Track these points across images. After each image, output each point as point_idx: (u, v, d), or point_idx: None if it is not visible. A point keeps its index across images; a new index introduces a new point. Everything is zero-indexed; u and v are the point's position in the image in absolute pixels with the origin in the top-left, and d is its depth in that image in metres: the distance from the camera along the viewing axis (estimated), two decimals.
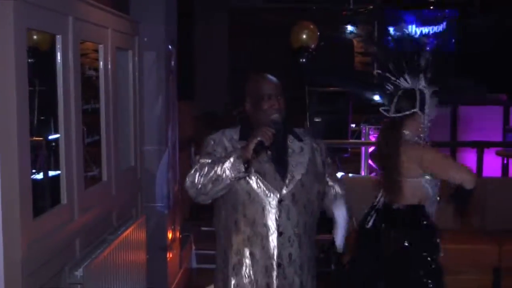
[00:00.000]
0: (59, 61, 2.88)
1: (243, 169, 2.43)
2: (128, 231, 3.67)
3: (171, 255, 4.74)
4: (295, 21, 7.87)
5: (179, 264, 5.18)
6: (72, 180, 3.00)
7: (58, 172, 2.95)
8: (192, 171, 2.52)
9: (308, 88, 7.41)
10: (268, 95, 2.61)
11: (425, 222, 3.20)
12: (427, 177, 3.17)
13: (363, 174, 7.15)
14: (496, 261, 4.83)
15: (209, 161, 2.51)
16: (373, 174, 6.75)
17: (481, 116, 8.20)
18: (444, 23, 10.08)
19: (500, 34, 10.22)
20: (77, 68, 3.04)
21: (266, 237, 2.54)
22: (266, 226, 2.55)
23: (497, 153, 7.51)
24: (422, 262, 3.20)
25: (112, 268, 3.34)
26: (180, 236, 5.25)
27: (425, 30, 10.01)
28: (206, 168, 2.48)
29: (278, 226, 2.55)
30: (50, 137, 3.05)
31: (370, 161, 6.77)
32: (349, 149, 7.59)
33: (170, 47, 4.72)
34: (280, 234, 2.55)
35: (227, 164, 2.43)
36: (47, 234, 2.70)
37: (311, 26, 7.67)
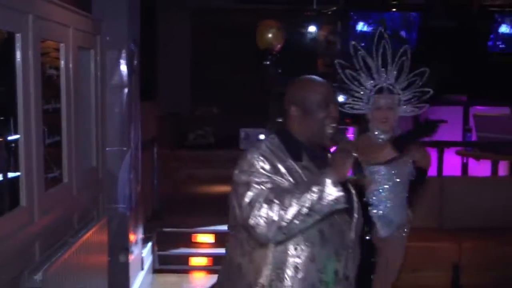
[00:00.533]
0: (18, 60, 2.83)
1: (343, 199, 1.97)
2: (89, 234, 3.63)
3: (132, 257, 4.70)
4: (259, 21, 7.89)
5: (141, 265, 5.14)
6: (32, 182, 2.95)
7: (18, 173, 2.89)
8: (258, 205, 1.97)
9: (272, 89, 7.43)
10: (325, 102, 2.18)
11: None
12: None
13: None
14: (456, 258, 4.92)
15: (278, 190, 2.00)
16: None
17: (441, 116, 8.35)
18: (406, 24, 10.23)
19: (461, 36, 10.44)
20: (37, 67, 3.00)
21: (337, 286, 2.14)
22: (337, 274, 2.13)
23: (457, 153, 7.66)
24: None
25: (73, 271, 3.29)
26: (142, 237, 5.22)
27: (387, 31, 10.14)
28: (286, 200, 1.95)
29: (345, 272, 2.16)
30: (10, 138, 2.99)
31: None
32: None
33: (132, 46, 4.68)
34: (346, 278, 2.18)
35: (320, 193, 1.94)
36: (6, 237, 2.65)
37: (277, 26, 7.69)
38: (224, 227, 6.50)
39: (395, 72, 3.42)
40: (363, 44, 3.60)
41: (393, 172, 3.38)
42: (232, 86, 10.06)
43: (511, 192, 5.21)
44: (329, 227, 2.07)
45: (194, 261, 5.89)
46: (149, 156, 6.22)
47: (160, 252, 5.86)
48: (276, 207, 1.94)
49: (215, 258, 5.83)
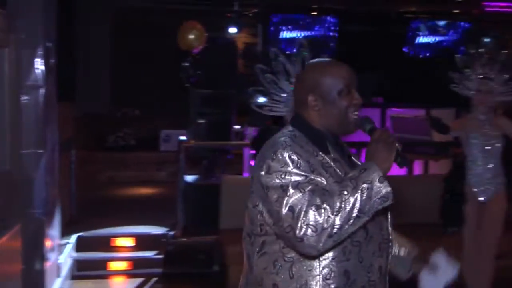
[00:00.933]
0: None
1: (392, 195, 1.75)
2: (1, 241, 3.49)
3: (49, 264, 4.56)
4: (181, 21, 7.84)
5: (58, 272, 4.99)
6: None
7: None
8: (303, 213, 1.68)
9: (192, 89, 7.40)
10: (347, 88, 1.91)
11: None
12: None
13: (246, 175, 7.25)
14: None
15: (321, 191, 1.73)
16: None
17: None
18: (325, 28, 10.45)
19: (379, 41, 10.78)
20: None
21: (380, 283, 1.92)
22: (380, 270, 1.91)
23: None
24: None
25: None
26: (59, 243, 5.07)
27: (307, 34, 10.31)
28: (334, 203, 1.68)
29: (386, 267, 1.95)
30: None
31: (252, 162, 6.88)
32: (232, 151, 7.68)
33: (49, 44, 4.54)
34: (386, 273, 1.96)
35: (369, 191, 1.70)
36: None
37: (198, 27, 7.67)
38: (144, 229, 6.45)
39: None
40: (283, 46, 3.68)
41: None
42: (153, 87, 9.95)
43: (426, 190, 5.41)
44: (371, 221, 1.80)
45: (114, 266, 5.79)
46: (66, 159, 6.06)
47: (78, 258, 5.71)
48: (324, 213, 1.67)
49: (135, 262, 5.76)
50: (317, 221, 1.66)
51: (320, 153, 1.85)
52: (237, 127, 7.95)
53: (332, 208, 1.67)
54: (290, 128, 1.92)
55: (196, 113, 7.19)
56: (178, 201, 6.11)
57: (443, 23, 11.32)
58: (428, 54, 11.39)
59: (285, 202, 1.70)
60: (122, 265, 5.80)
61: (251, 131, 7.45)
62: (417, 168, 7.87)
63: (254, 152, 6.69)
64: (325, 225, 1.66)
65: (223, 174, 6.63)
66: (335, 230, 1.66)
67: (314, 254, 1.72)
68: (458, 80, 4.43)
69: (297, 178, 1.73)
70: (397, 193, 5.46)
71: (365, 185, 1.70)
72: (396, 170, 6.35)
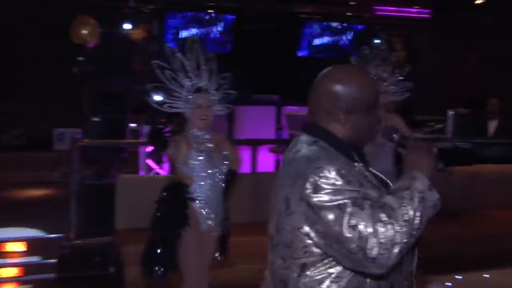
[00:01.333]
0: None
1: (440, 202, 1.69)
2: None
3: None
4: (75, 15, 7.59)
5: None
6: None
7: None
8: (370, 231, 1.56)
9: (86, 86, 7.19)
10: (375, 102, 1.84)
11: None
12: None
13: (142, 173, 7.13)
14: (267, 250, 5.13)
15: (379, 205, 1.63)
16: (152, 173, 6.76)
17: (255, 116, 8.70)
18: (221, 26, 10.47)
19: (275, 40, 10.95)
20: None
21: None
22: (411, 274, 1.87)
23: (271, 150, 8.02)
24: None
25: None
26: None
27: (202, 31, 10.29)
28: (398, 216, 1.60)
29: (412, 271, 1.90)
30: None
31: (148, 161, 6.78)
32: (127, 149, 7.54)
33: None
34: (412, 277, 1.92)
35: (424, 201, 1.64)
36: None
37: (91, 22, 7.45)
38: (36, 233, 6.17)
39: (207, 74, 3.57)
40: (179, 43, 3.67)
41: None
42: (45, 84, 9.57)
43: None
44: None
45: (3, 273, 5.50)
46: None
47: None
48: (391, 228, 1.57)
49: (27, 268, 5.50)
50: (387, 238, 1.56)
51: (355, 163, 1.78)
52: (132, 125, 7.81)
53: (398, 222, 1.58)
54: (310, 139, 1.79)
55: (90, 110, 6.99)
56: (71, 202, 5.91)
57: (337, 25, 11.69)
58: (322, 54, 11.71)
59: (345, 222, 1.58)
60: (12, 272, 5.53)
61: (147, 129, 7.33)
62: None
63: (151, 149, 6.61)
64: (396, 241, 1.57)
65: (118, 173, 6.49)
66: (403, 244, 1.58)
67: (383, 272, 1.61)
68: None
69: (352, 195, 1.61)
70: None
71: (419, 195, 1.64)
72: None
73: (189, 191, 3.52)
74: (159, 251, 3.45)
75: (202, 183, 3.55)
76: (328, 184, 1.62)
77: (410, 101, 4.95)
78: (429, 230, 1.77)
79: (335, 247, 1.61)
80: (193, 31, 10.11)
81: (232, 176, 3.71)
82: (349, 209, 1.58)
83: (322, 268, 1.69)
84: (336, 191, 1.61)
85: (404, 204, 1.61)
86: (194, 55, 3.58)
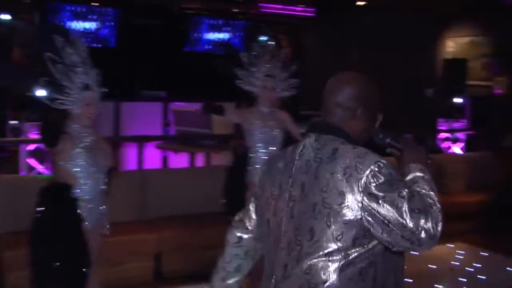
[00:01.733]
0: None
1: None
2: None
3: None
4: None
5: None
6: None
7: None
8: (430, 211, 1.76)
9: None
10: (380, 103, 2.05)
11: None
12: None
13: (22, 173, 6.78)
14: (157, 248, 5.08)
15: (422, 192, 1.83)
16: (34, 173, 6.45)
17: (142, 112, 8.56)
18: (105, 20, 10.20)
19: (161, 35, 10.83)
20: None
21: None
22: None
23: (157, 146, 7.93)
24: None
25: None
26: None
27: (86, 25, 9.98)
28: (433, 199, 1.81)
29: None
30: None
31: (29, 160, 6.46)
32: (7, 148, 7.15)
33: None
34: None
35: (433, 185, 1.87)
36: None
37: None
38: None
39: (93, 70, 3.51)
40: (62, 35, 3.54)
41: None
42: None
43: (208, 181, 5.55)
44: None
45: None
46: None
47: None
48: (436, 209, 1.77)
49: None
50: (437, 218, 1.74)
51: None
52: (13, 122, 7.40)
53: (436, 204, 1.78)
54: (333, 137, 1.91)
55: None
56: None
57: (224, 21, 11.75)
58: (209, 50, 11.74)
59: (407, 208, 1.72)
60: None
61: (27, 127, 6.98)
62: (199, 160, 8.07)
63: (33, 148, 6.30)
64: (439, 219, 1.75)
65: None
66: (442, 221, 1.76)
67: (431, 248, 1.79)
68: (243, 77, 4.63)
69: (404, 184, 1.80)
70: (181, 186, 5.51)
71: (430, 180, 1.87)
72: (180, 164, 6.38)
73: (72, 190, 3.41)
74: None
75: (86, 181, 3.46)
76: (387, 174, 1.76)
77: (296, 97, 5.08)
78: None
79: (395, 232, 1.73)
80: (76, 24, 9.77)
81: (110, 173, 3.64)
82: (407, 196, 1.74)
83: (363, 256, 1.81)
84: (394, 181, 1.77)
85: (428, 189, 1.83)
86: (79, 50, 3.48)
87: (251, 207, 2.16)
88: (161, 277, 5.10)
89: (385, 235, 1.75)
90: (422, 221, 1.71)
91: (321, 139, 1.90)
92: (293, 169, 1.91)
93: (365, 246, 1.79)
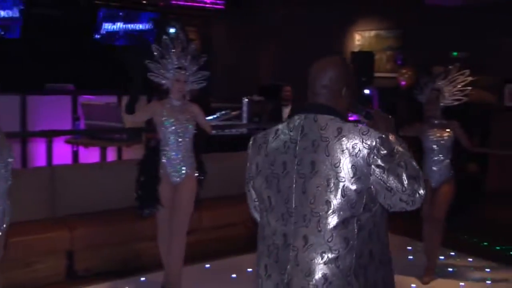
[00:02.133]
0: None
1: None
2: None
3: None
4: None
5: None
6: None
7: None
8: (420, 171, 2.07)
9: None
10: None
11: None
12: None
13: None
14: (68, 245, 4.97)
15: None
16: None
17: (50, 105, 8.31)
18: (9, 10, 9.80)
19: (69, 27, 10.52)
20: None
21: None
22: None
23: (67, 141, 7.73)
24: None
25: None
26: None
27: None
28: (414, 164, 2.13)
29: None
30: None
31: None
32: None
33: None
34: None
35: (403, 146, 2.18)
36: None
37: None
38: None
39: None
40: None
41: None
42: None
43: (120, 175, 5.47)
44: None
45: None
46: None
47: None
48: (419, 170, 2.05)
49: None
50: (422, 182, 2.03)
51: None
52: None
53: (418, 167, 2.05)
54: (328, 116, 2.10)
55: None
56: None
57: (132, 13, 11.58)
58: (118, 42, 11.54)
59: (406, 176, 1.99)
60: None
61: None
62: (111, 155, 7.94)
63: None
64: (422, 181, 2.03)
65: None
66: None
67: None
68: (155, 69, 4.60)
69: (397, 153, 2.04)
70: (93, 182, 5.40)
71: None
72: (91, 159, 6.27)
73: None
74: None
75: None
76: (387, 147, 2.01)
77: (206, 90, 5.10)
78: None
79: (395, 197, 1.99)
80: None
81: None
82: (404, 166, 2.00)
83: (370, 219, 2.06)
84: (392, 152, 2.03)
85: (410, 156, 2.07)
86: None
87: (250, 188, 2.28)
88: (74, 276, 5.00)
89: (387, 200, 2.01)
90: (416, 186, 1.99)
91: (320, 120, 2.10)
92: (297, 149, 2.08)
93: (371, 211, 2.05)
